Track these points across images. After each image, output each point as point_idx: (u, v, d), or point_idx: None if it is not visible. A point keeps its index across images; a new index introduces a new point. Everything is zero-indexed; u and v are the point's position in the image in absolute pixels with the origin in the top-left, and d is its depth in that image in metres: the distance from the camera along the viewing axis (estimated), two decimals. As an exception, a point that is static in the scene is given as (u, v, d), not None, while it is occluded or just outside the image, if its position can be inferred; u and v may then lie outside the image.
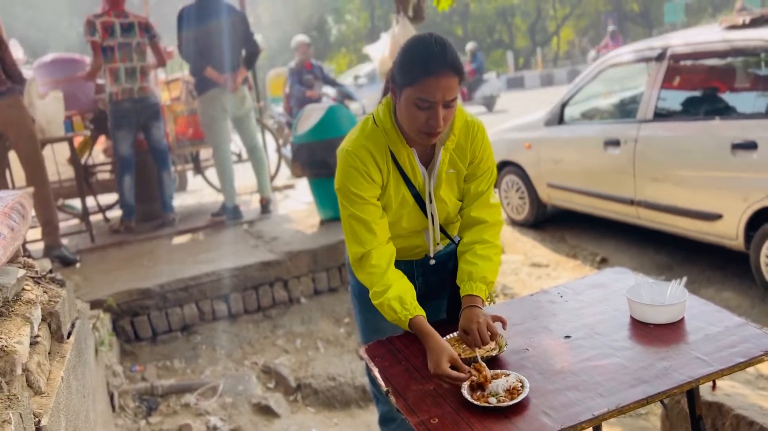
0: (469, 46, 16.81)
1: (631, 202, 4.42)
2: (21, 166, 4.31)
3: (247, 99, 5.26)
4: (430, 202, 1.81)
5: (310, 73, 7.96)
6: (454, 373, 1.53)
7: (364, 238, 1.77)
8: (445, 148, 1.78)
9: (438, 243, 1.89)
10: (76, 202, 6.03)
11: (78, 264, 4.52)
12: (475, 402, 1.44)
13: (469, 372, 1.54)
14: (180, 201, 6.92)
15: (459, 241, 1.96)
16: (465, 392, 1.48)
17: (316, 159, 4.74)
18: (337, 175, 1.80)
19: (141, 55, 5.03)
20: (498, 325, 1.82)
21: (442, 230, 1.92)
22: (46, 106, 4.73)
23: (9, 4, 15.82)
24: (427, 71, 1.58)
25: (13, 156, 4.80)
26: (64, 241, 5.29)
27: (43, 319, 1.90)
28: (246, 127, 5.36)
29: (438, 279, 2.03)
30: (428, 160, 1.82)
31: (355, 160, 1.74)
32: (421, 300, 2.10)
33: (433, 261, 1.97)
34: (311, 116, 4.91)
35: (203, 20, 4.96)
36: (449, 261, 2.00)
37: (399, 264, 1.91)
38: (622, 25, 30.27)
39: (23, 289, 1.88)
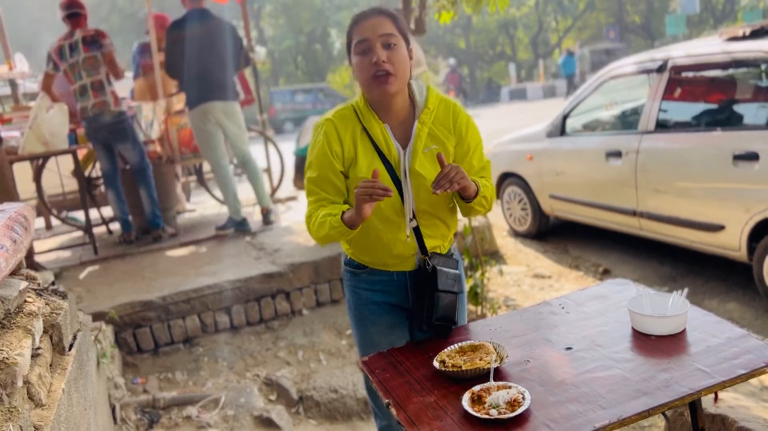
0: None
1: (634, 213, 4.42)
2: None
3: (237, 112, 5.17)
4: (405, 177, 1.79)
5: None
6: (368, 182, 1.61)
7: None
8: (421, 121, 1.80)
9: (412, 219, 1.83)
10: (79, 214, 6.05)
11: (81, 275, 4.53)
12: (476, 415, 1.43)
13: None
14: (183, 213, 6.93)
15: (455, 258, 1.97)
16: (466, 404, 1.47)
17: None
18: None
19: (90, 69, 4.79)
20: (499, 336, 1.82)
21: (418, 234, 1.87)
22: (51, 119, 4.76)
23: (15, 19, 15.97)
24: (358, 18, 1.76)
25: (16, 168, 4.84)
26: (68, 253, 5.31)
27: (45, 331, 1.91)
28: (237, 140, 5.23)
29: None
30: (407, 138, 1.82)
31: (319, 131, 1.83)
32: (414, 314, 2.08)
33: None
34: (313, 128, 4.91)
35: (194, 33, 4.87)
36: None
37: (391, 274, 1.92)
38: (624, 36, 30.38)
39: (25, 301, 1.89)
